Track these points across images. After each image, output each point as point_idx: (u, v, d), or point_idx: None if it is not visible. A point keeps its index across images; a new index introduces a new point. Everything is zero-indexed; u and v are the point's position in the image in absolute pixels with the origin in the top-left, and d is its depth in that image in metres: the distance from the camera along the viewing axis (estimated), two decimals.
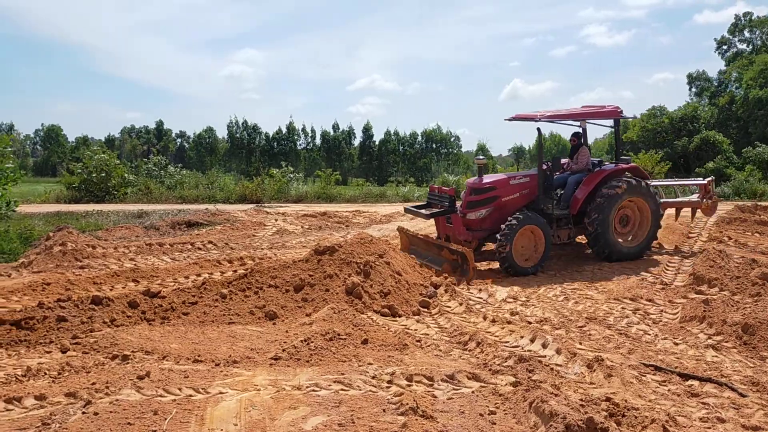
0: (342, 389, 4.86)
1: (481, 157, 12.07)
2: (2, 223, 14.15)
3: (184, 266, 10.73)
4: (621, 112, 11.39)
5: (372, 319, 7.39)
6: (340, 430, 4.07)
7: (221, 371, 5.37)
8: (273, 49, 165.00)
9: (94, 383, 4.95)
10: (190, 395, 4.71)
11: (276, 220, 17.58)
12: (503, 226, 10.20)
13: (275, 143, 75.33)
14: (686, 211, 13.76)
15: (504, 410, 4.55)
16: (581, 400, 4.58)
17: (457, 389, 4.98)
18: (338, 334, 6.25)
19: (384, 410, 4.41)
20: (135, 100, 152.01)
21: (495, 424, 4.30)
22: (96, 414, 4.22)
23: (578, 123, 11.70)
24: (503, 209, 10.76)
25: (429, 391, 4.92)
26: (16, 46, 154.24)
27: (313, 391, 4.81)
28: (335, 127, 77.12)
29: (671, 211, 13.41)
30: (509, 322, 7.26)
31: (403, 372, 5.26)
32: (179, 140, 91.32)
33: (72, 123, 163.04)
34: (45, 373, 5.35)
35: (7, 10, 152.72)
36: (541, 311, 7.94)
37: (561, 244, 11.58)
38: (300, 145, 77.19)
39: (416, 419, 4.20)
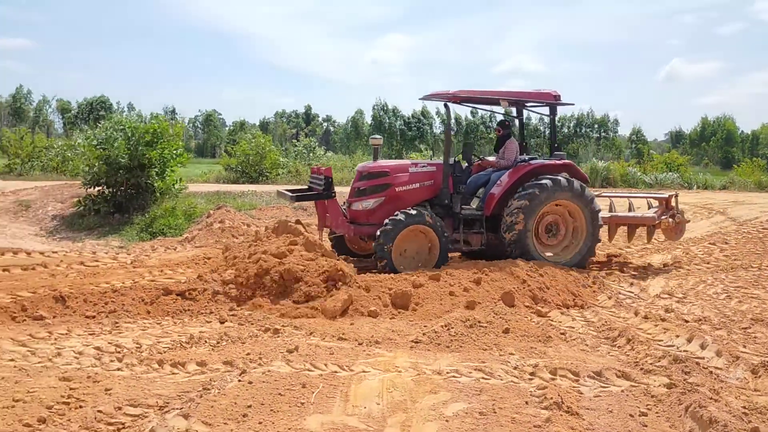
0: (483, 377, 4.82)
1: (377, 136, 10.36)
2: (170, 201, 15.48)
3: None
4: (558, 97, 9.64)
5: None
6: (481, 418, 4.03)
7: (364, 350, 5.52)
8: (418, 33, 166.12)
9: (248, 353, 5.28)
10: (335, 371, 4.88)
11: None
12: (384, 223, 8.51)
13: (411, 127, 76.00)
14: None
15: (656, 413, 4.29)
16: (744, 407, 4.22)
17: (605, 387, 4.75)
18: (479, 322, 6.20)
19: (526, 402, 4.31)
20: (287, 86, 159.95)
21: (646, 426, 4.06)
22: (250, 383, 4.49)
23: (501, 107, 9.81)
24: (398, 202, 8.98)
25: (574, 387, 4.74)
26: (181, 36, 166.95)
27: (454, 377, 4.81)
28: (473, 111, 76.29)
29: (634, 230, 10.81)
30: (663, 320, 6.81)
31: (546, 365, 5.11)
32: (326, 124, 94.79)
33: (230, 108, 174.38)
34: (205, 342, 5.77)
35: (174, 3, 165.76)
36: (699, 309, 7.38)
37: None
38: (437, 128, 77.29)
39: (561, 415, 4.07)
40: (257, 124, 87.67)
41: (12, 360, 5.08)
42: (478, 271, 7.80)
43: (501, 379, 4.80)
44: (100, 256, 10.07)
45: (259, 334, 6.01)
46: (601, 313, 7.20)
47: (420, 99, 9.71)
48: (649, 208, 10.95)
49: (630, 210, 10.97)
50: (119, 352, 5.37)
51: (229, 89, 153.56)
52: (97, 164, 14.41)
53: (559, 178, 9.09)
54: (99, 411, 3.96)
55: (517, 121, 10.78)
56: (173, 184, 16.42)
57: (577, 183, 9.21)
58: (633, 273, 9.48)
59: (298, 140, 38.90)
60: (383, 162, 9.63)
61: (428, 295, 7.22)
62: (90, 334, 5.98)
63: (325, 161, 31.71)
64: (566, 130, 74.20)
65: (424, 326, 6.28)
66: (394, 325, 6.43)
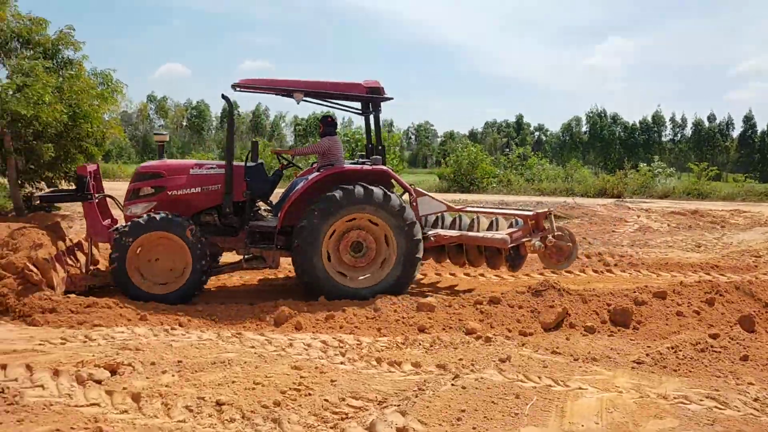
0: (716, 407, 4.37)
1: (162, 132, 9.05)
2: None
3: None
4: (374, 90, 8.08)
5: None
6: None
7: (580, 366, 5.30)
8: (641, 35, 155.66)
9: (461, 359, 5.35)
10: (550, 385, 4.75)
11: (638, 216, 16.67)
12: (115, 229, 7.52)
13: (636, 134, 71.35)
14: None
15: None
16: None
17: None
18: (711, 346, 5.63)
19: None
20: (497, 95, 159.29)
21: None
22: (464, 388, 4.54)
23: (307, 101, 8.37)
24: (173, 207, 7.75)
25: None
26: (397, 50, 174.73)
27: (682, 403, 4.42)
28: (711, 117, 69.64)
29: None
30: None
31: None
32: (537, 133, 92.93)
33: (441, 118, 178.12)
34: (419, 344, 5.96)
35: (393, 19, 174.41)
36: None
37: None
38: (665, 136, 71.83)
39: None
40: (466, 134, 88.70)
41: (252, 347, 5.69)
42: (711, 290, 7.10)
43: (738, 411, 4.32)
44: None
45: (471, 341, 6.05)
46: None
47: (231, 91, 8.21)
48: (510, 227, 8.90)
49: (491, 228, 8.90)
50: (342, 347, 5.77)
51: (440, 100, 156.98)
52: None
53: (351, 187, 7.59)
54: (326, 400, 4.29)
55: (364, 119, 9.25)
56: None
57: (379, 193, 7.64)
58: None
59: (510, 149, 38.66)
60: (164, 161, 8.56)
61: (652, 313, 6.72)
62: (318, 330, 6.49)
63: (539, 171, 31.05)
64: None
65: (648, 347, 5.86)
66: (613, 342, 6.09)
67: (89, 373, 4.58)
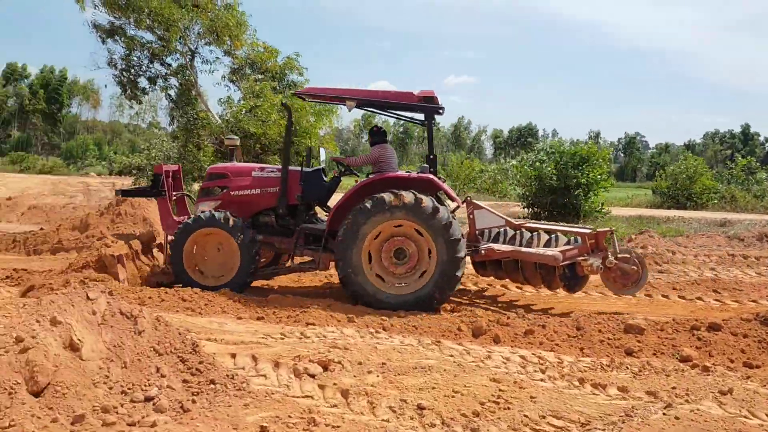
0: None
1: (233, 137, 9.58)
2: (591, 223, 15.62)
3: None
4: (425, 99, 7.99)
5: None
6: None
7: None
8: None
9: (674, 387, 4.97)
10: None
11: None
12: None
13: None
14: None
15: None
16: None
17: None
18: None
19: None
20: (721, 104, 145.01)
21: None
22: (677, 418, 4.21)
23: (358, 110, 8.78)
24: (235, 207, 8.31)
25: None
26: (607, 58, 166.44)
27: None
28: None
29: None
30: None
31: None
32: None
33: (654, 130, 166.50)
34: (627, 368, 5.63)
35: (598, 27, 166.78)
36: None
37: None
38: None
39: None
40: (682, 145, 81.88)
41: (451, 356, 5.79)
42: None
43: None
44: None
45: (685, 369, 5.59)
46: None
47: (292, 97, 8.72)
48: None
49: (548, 244, 8.33)
50: (542, 364, 5.64)
51: (654, 110, 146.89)
52: (529, 183, 15.54)
53: (401, 193, 7.52)
54: (525, 415, 4.24)
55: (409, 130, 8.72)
56: (597, 207, 16.58)
57: (428, 202, 7.51)
58: None
59: (734, 162, 35.04)
60: (233, 163, 9.12)
61: None
62: (516, 345, 6.42)
63: None
64: None
65: None
66: None
67: (305, 368, 4.98)
